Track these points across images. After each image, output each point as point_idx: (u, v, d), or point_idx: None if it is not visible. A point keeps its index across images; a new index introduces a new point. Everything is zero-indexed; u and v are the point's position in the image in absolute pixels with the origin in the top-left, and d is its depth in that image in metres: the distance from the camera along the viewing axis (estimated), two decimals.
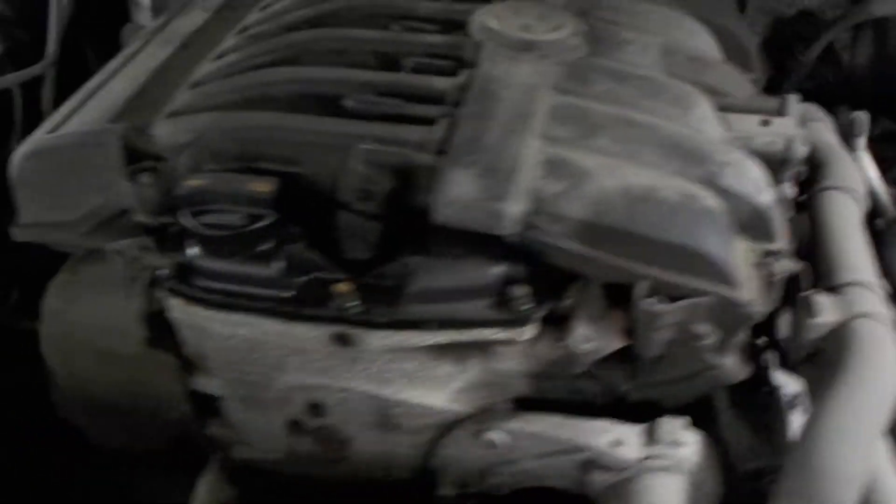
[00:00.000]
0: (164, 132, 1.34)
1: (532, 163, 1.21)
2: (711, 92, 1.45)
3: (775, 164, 1.37)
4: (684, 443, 1.24)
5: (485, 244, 1.21)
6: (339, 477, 1.42)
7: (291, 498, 1.53)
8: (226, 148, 1.30)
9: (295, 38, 1.50)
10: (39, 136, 1.42)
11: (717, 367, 1.25)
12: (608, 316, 1.23)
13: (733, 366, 1.26)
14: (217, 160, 1.31)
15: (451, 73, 1.40)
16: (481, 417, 1.28)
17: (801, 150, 1.40)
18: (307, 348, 1.28)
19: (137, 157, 1.34)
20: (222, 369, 1.35)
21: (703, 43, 1.61)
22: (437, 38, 1.48)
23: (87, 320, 1.45)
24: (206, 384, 1.39)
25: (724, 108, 1.44)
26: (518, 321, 1.22)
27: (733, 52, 1.66)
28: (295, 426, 1.37)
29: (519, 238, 1.19)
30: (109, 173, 1.35)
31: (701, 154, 1.28)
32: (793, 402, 1.38)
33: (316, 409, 1.34)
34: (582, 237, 1.18)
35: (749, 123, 1.43)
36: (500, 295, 1.22)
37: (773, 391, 1.39)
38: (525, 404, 1.33)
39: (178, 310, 1.30)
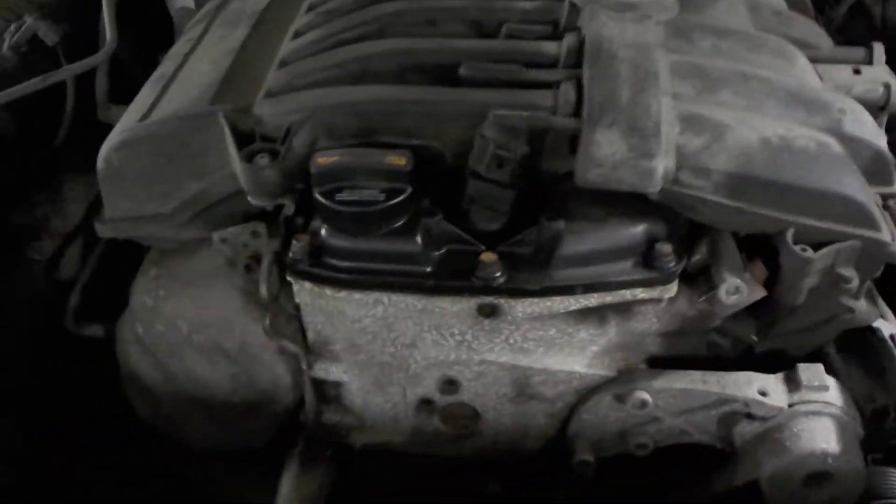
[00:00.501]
0: (270, 112, 1.29)
1: (669, 119, 1.20)
2: (800, 44, 1.47)
3: (874, 111, 1.40)
4: (827, 386, 1.25)
5: (628, 203, 1.21)
6: (464, 454, 1.40)
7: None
8: (343, 123, 1.26)
9: (381, 10, 1.45)
10: (131, 125, 1.35)
11: (853, 311, 1.27)
12: (748, 268, 1.24)
13: (866, 309, 1.28)
14: (334, 136, 1.26)
15: (555, 36, 1.39)
16: (624, 379, 1.28)
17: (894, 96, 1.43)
18: (447, 323, 1.25)
19: (244, 138, 1.28)
20: (349, 353, 1.31)
21: None
22: (529, 4, 1.45)
23: (186, 315, 1.40)
24: (329, 370, 1.34)
25: (814, 59, 1.46)
26: (664, 279, 1.22)
27: (793, 6, 1.69)
28: (425, 405, 1.34)
29: (664, 195, 1.18)
30: (213, 157, 1.30)
31: (820, 103, 1.29)
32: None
33: (451, 385, 1.31)
34: (728, 190, 1.18)
35: (842, 73, 1.45)
36: (645, 254, 1.22)
37: (877, 334, 1.41)
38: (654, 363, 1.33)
39: (307, 294, 1.26)
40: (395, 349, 1.29)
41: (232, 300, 1.39)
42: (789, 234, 1.19)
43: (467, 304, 1.22)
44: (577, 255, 1.20)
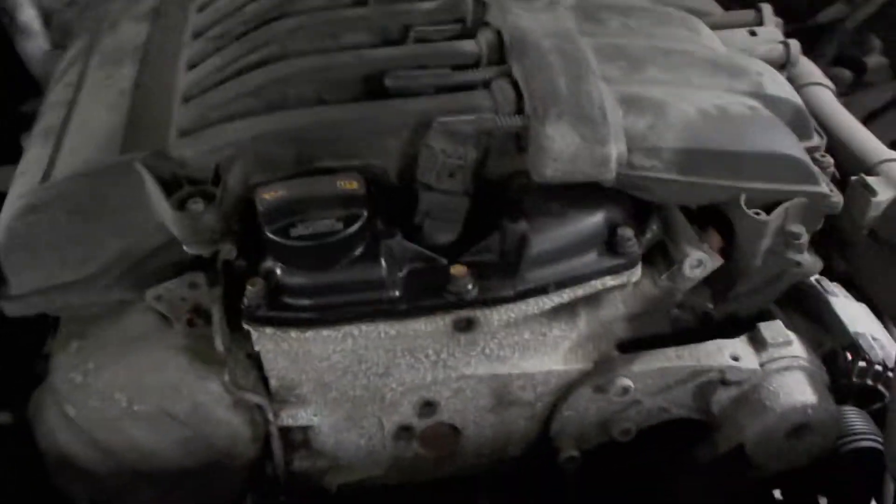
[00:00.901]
0: (192, 152, 1.19)
1: (611, 104, 1.19)
2: (694, 13, 1.50)
3: (777, 69, 1.45)
4: (791, 341, 1.29)
5: (581, 194, 1.20)
6: (446, 475, 1.35)
7: None
8: (278, 153, 1.18)
9: (277, 29, 1.37)
10: (32, 188, 1.21)
11: (801, 265, 1.31)
12: (704, 238, 1.25)
13: (811, 261, 1.33)
14: (269, 169, 1.18)
15: (466, 34, 1.35)
16: (603, 369, 1.27)
17: (796, 51, 1.48)
18: (421, 344, 1.20)
19: (169, 185, 1.18)
20: (318, 393, 1.24)
21: None
22: (430, 4, 1.40)
23: (123, 386, 1.27)
24: (297, 416, 1.26)
25: (710, 26, 1.49)
26: (629, 263, 1.21)
27: None
28: (403, 432, 1.29)
29: (618, 180, 1.17)
30: (134, 210, 1.19)
31: (738, 68, 1.32)
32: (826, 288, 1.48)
33: (428, 406, 1.26)
34: (679, 166, 1.18)
35: (739, 36, 1.50)
36: (607, 241, 1.21)
37: (807, 282, 1.47)
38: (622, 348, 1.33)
39: (268, 340, 1.17)
40: (367, 381, 1.23)
41: (173, 361, 1.27)
42: (742, 200, 1.21)
43: (442, 322, 1.17)
44: (544, 253, 1.18)
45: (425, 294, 1.16)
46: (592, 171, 1.15)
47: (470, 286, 1.15)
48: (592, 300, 1.26)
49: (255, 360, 1.25)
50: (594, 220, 1.20)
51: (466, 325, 1.18)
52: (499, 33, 1.30)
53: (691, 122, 1.20)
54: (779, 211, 1.22)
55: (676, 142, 1.18)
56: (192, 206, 1.14)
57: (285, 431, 1.29)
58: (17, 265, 1.23)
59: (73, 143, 1.27)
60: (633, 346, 1.32)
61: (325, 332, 1.16)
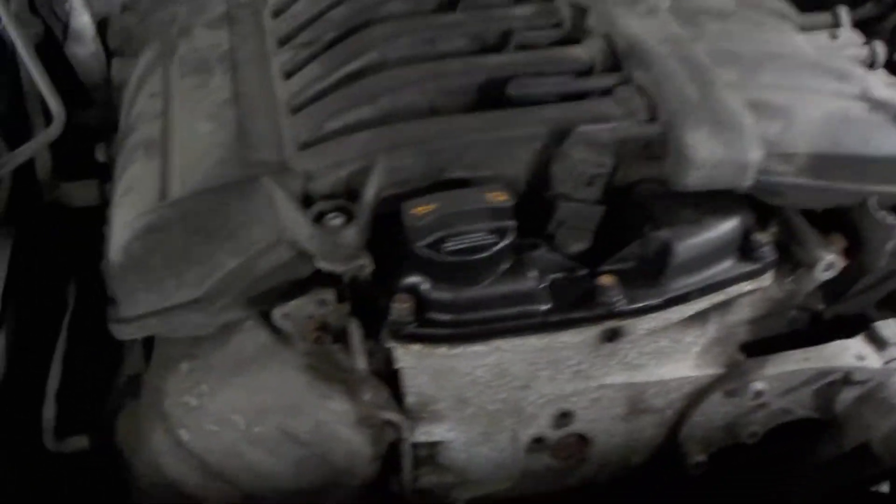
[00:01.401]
0: (318, 166, 1.16)
1: (741, 110, 1.20)
2: (777, 16, 1.51)
3: None
4: None
5: (713, 200, 1.19)
6: (571, 485, 1.34)
7: None
8: (410, 165, 1.16)
9: (374, 36, 1.34)
10: (151, 206, 1.16)
11: None
12: (831, 241, 1.26)
13: None
14: (399, 181, 1.15)
15: (570, 40, 1.34)
16: (735, 374, 1.27)
17: (882, 53, 1.50)
18: (564, 356, 1.18)
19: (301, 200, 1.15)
20: (455, 409, 1.21)
21: None
22: (525, 10, 1.39)
23: (241, 408, 1.23)
24: (431, 432, 1.23)
25: None
26: (764, 269, 1.22)
27: None
28: (535, 444, 1.27)
29: (753, 186, 1.18)
30: (257, 227, 1.15)
31: (843, 72, 1.33)
32: None
33: (564, 417, 1.25)
34: (811, 171, 1.19)
35: (821, 40, 1.51)
36: (742, 248, 1.21)
37: None
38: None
39: (413, 357, 1.15)
40: (506, 394, 1.21)
41: (293, 380, 1.24)
42: (872, 204, 1.22)
43: (590, 333, 1.16)
44: (687, 261, 1.17)
45: (574, 305, 1.15)
46: (733, 178, 1.15)
47: (620, 296, 1.14)
48: (722, 305, 1.26)
49: (385, 378, 1.22)
50: (730, 226, 1.20)
51: (612, 335, 1.17)
52: (609, 39, 1.30)
53: (819, 126, 1.21)
54: None
55: (808, 147, 1.19)
56: (332, 222, 1.11)
57: (415, 448, 1.26)
58: (132, 286, 1.19)
59: (183, 158, 1.22)
60: (752, 348, 1.33)
61: (475, 348, 1.14)
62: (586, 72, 1.29)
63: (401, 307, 1.11)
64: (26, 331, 1.52)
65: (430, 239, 1.09)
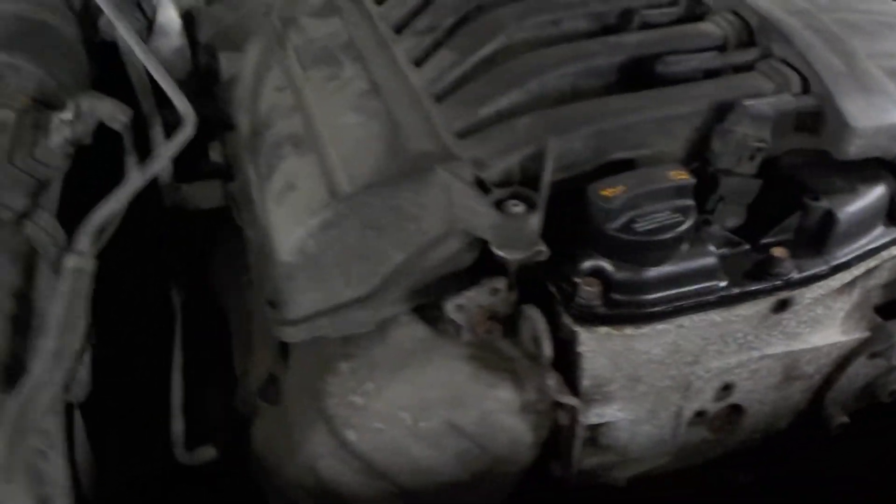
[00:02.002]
0: (487, 152, 1.16)
1: (885, 78, 1.23)
2: None
3: None
4: None
5: (860, 169, 1.23)
6: (720, 454, 1.36)
7: None
8: (579, 148, 1.16)
9: (497, 20, 1.34)
10: (325, 202, 1.13)
11: None
12: None
13: None
14: (569, 165, 1.16)
15: (693, 17, 1.36)
16: (882, 336, 1.31)
17: None
18: (733, 329, 1.20)
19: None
20: (627, 388, 1.22)
21: None
22: None
23: (407, 403, 1.22)
24: (603, 413, 1.24)
25: None
26: None
27: None
28: (696, 418, 1.29)
29: None
30: (426, 220, 1.16)
31: None
32: None
33: (725, 390, 1.27)
34: None
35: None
36: (890, 213, 1.25)
37: None
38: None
39: (595, 339, 1.15)
40: (676, 371, 1.22)
41: (457, 372, 1.23)
42: None
43: (763, 305, 1.18)
44: (848, 228, 1.20)
45: (750, 278, 1.17)
46: (889, 145, 1.19)
47: (792, 267, 1.17)
48: (869, 270, 1.29)
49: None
50: (880, 192, 1.24)
51: (782, 306, 1.20)
52: (739, 14, 1.31)
53: None
54: None
55: None
56: (514, 209, 1.10)
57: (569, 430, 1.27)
58: (303, 286, 1.17)
59: (339, 152, 1.19)
60: (880, 311, 1.37)
61: (659, 327, 1.15)
62: (721, 47, 1.30)
63: (589, 290, 1.12)
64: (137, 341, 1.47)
65: (621, 220, 1.09)
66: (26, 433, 0.89)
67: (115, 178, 1.31)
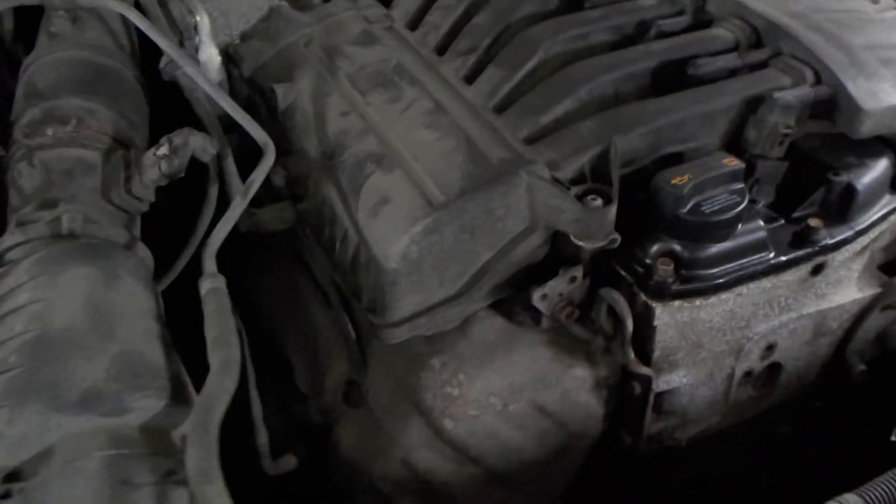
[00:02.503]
0: (558, 155, 1.30)
1: (880, 66, 1.42)
2: None
3: None
4: None
5: (864, 145, 1.41)
6: (762, 409, 1.52)
7: None
8: (638, 145, 1.31)
9: (532, 37, 1.48)
10: (424, 210, 1.24)
11: None
12: None
13: None
14: (629, 161, 1.31)
15: (702, 24, 1.53)
16: (890, 291, 1.49)
17: None
18: (778, 294, 1.37)
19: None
20: (690, 355, 1.37)
21: None
22: (650, 0, 1.57)
23: (498, 389, 1.35)
24: (670, 380, 1.38)
25: None
26: None
27: None
28: (745, 377, 1.44)
29: None
30: (511, 219, 1.28)
31: None
32: None
33: (769, 349, 1.43)
34: None
35: (867, 4, 1.77)
36: (893, 183, 1.44)
37: None
38: None
39: (668, 313, 1.29)
40: (731, 335, 1.38)
41: (539, 356, 1.36)
42: None
43: (805, 270, 1.35)
44: (865, 198, 1.39)
45: (794, 246, 1.33)
46: (893, 123, 1.38)
47: (827, 234, 1.34)
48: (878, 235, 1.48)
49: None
50: (885, 165, 1.42)
51: (818, 269, 1.37)
52: (746, 20, 1.49)
53: None
54: None
55: None
56: (594, 203, 1.24)
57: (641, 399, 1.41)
58: (404, 290, 1.27)
59: (425, 165, 1.30)
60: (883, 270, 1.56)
61: (723, 296, 1.30)
62: (733, 49, 1.47)
63: (665, 269, 1.26)
64: None
65: (690, 204, 1.24)
66: (213, 439, 0.97)
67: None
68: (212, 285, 1.14)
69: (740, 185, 1.28)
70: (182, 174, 1.28)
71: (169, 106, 1.56)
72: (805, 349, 1.49)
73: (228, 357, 1.03)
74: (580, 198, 1.24)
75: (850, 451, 1.56)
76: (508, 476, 1.42)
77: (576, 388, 1.37)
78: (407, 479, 1.40)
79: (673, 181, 1.25)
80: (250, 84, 1.60)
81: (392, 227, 1.26)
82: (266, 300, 1.68)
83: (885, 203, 1.43)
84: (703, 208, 1.25)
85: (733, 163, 1.28)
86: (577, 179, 1.28)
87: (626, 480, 1.52)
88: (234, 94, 1.63)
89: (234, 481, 0.98)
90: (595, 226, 1.24)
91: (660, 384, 1.38)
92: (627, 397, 1.38)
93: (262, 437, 1.46)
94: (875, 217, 1.41)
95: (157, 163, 1.26)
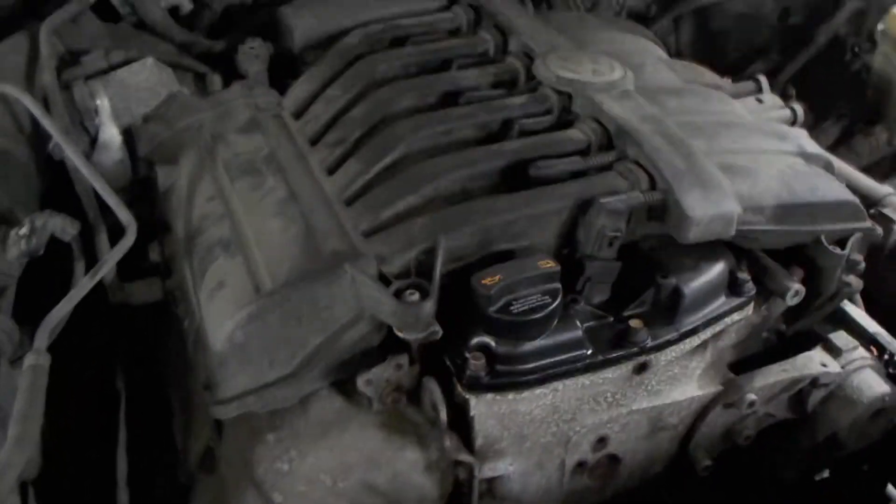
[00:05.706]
0: (390, 250, 1.37)
1: (718, 173, 1.47)
2: (713, 87, 1.82)
3: None
4: (856, 346, 1.62)
5: (706, 248, 1.46)
6: (604, 498, 1.57)
7: None
8: (467, 242, 1.38)
9: (397, 132, 1.56)
10: (250, 298, 1.33)
11: (851, 285, 1.63)
12: (793, 273, 1.55)
13: (856, 282, 1.66)
14: (458, 257, 1.37)
15: (563, 124, 1.60)
16: (732, 389, 1.53)
17: (801, 114, 1.83)
18: (603, 390, 1.42)
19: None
20: (515, 445, 1.42)
21: (662, 51, 1.97)
22: (520, 99, 1.64)
23: (327, 467, 1.40)
24: (496, 468, 1.43)
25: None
26: (748, 301, 1.50)
27: None
28: (577, 468, 1.49)
29: (735, 235, 1.45)
30: (338, 308, 1.35)
31: (781, 133, 1.65)
32: None
33: (601, 442, 1.48)
34: (777, 218, 1.48)
35: (751, 104, 1.83)
36: (730, 285, 1.49)
37: None
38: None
39: (484, 404, 1.35)
40: (556, 427, 1.43)
41: (371, 437, 1.42)
42: (824, 240, 1.52)
43: (625, 368, 1.40)
44: (692, 301, 1.43)
45: (612, 346, 1.39)
46: (722, 230, 1.43)
47: (647, 335, 1.39)
48: (718, 334, 1.52)
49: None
50: (721, 268, 1.47)
51: (641, 368, 1.42)
52: (599, 122, 1.56)
53: (777, 181, 1.50)
54: (850, 244, 1.54)
55: (773, 199, 1.48)
56: (411, 298, 1.31)
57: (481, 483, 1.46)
58: (232, 370, 1.35)
59: (264, 253, 1.39)
60: (735, 367, 1.60)
61: (537, 391, 1.36)
62: (585, 150, 1.54)
63: (476, 363, 1.32)
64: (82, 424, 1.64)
65: (499, 304, 1.31)
66: None
67: (65, 279, 1.50)
68: (34, 361, 1.23)
69: (554, 286, 1.34)
70: (41, 252, 1.40)
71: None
72: (643, 443, 1.53)
73: (25, 433, 1.13)
74: (400, 292, 1.32)
75: None
76: None
77: (408, 470, 1.43)
78: None
79: (484, 281, 1.31)
80: (146, 163, 1.71)
81: (222, 312, 1.34)
82: (162, 366, 1.78)
83: (720, 305, 1.47)
84: (512, 308, 1.31)
85: (548, 265, 1.34)
86: (403, 274, 1.36)
87: None
88: (135, 171, 1.75)
89: None
90: (411, 319, 1.31)
91: (485, 471, 1.43)
92: (456, 482, 1.44)
93: (123, 497, 1.55)
94: (706, 318, 1.45)
95: (19, 241, 1.38)
